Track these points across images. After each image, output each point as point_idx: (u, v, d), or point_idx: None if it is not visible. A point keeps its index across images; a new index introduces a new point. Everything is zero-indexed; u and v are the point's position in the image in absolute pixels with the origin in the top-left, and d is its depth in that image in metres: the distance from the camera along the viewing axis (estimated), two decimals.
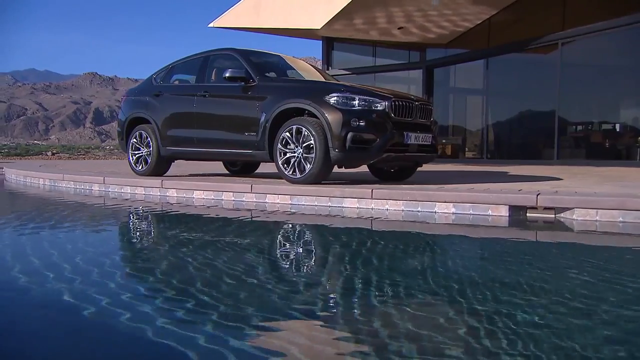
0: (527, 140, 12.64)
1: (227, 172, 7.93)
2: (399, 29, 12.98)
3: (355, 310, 1.86)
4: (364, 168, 6.32)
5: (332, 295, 2.08)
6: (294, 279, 2.41)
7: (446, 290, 2.12)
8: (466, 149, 14.18)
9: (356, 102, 4.99)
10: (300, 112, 5.26)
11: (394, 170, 6.22)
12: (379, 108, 5.03)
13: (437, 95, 14.58)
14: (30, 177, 7.93)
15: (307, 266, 2.69)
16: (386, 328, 1.67)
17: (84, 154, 26.79)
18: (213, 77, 6.24)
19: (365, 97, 5.03)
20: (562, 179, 6.25)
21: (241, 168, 7.82)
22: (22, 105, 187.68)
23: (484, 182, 5.46)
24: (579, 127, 11.17)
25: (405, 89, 15.28)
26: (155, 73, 6.97)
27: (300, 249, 3.19)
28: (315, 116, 5.06)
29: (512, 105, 12.97)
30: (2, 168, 10.40)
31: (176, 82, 6.83)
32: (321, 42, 15.43)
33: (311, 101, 5.10)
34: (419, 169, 6.28)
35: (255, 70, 5.74)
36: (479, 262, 2.83)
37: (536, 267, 2.59)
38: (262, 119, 5.44)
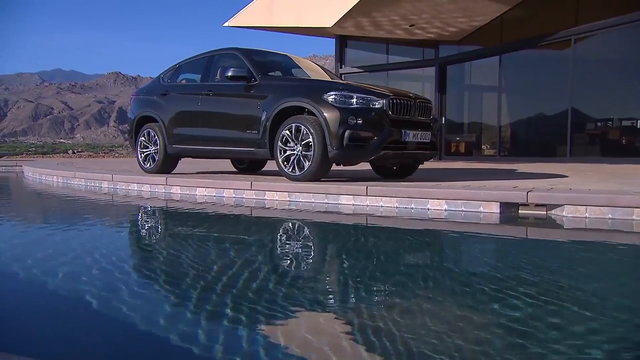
0: (541, 137, 12.50)
1: (235, 169, 8.04)
2: (410, 26, 12.94)
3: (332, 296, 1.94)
4: (368, 166, 6.39)
5: (316, 284, 2.16)
6: (279, 270, 2.50)
7: (408, 280, 2.18)
8: (480, 146, 14.08)
9: (354, 100, 5.04)
10: (300, 110, 5.33)
11: (396, 167, 6.25)
12: (376, 106, 5.06)
13: (451, 93, 14.50)
14: (45, 175, 8.19)
15: (293, 259, 2.77)
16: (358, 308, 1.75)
17: (107, 152, 27.30)
18: (217, 77, 6.36)
19: (363, 95, 5.08)
20: (567, 177, 6.21)
21: (248, 166, 7.93)
22: (49, 105, 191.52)
23: (485, 180, 5.46)
24: (593, 124, 11.00)
25: (419, 86, 15.23)
26: (162, 72, 7.11)
27: (287, 242, 3.27)
28: (314, 114, 5.13)
29: (526, 103, 12.83)
30: (21, 166, 10.74)
31: (183, 82, 6.95)
32: (334, 40, 15.47)
33: (310, 99, 5.17)
34: (424, 166, 6.29)
35: (257, 69, 5.82)
36: (448, 255, 2.88)
37: (495, 260, 2.63)
38: (263, 117, 5.52)
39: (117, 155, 25.19)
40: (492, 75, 12.97)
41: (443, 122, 14.34)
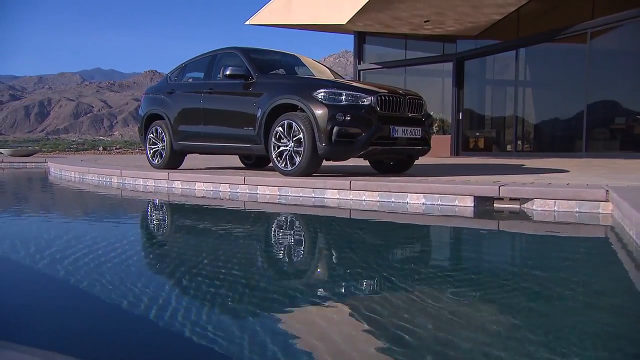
0: (557, 132, 12.31)
1: (242, 165, 8.27)
2: (425, 22, 12.92)
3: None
4: (366, 162, 6.50)
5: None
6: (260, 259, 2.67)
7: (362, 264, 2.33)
8: (498, 142, 13.95)
9: (343, 97, 5.17)
10: (294, 107, 5.49)
11: (393, 163, 6.34)
12: (365, 103, 5.18)
13: (468, 88, 14.40)
14: (64, 170, 8.62)
15: (270, 246, 2.95)
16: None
17: (143, 149, 28.27)
18: (220, 75, 6.56)
19: (352, 93, 5.20)
20: (568, 171, 6.18)
21: (255, 162, 8.13)
22: (89, 103, 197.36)
23: (481, 175, 5.49)
24: (609, 119, 10.78)
25: (439, 81, 15.19)
26: (170, 71, 7.38)
27: (265, 231, 3.44)
28: (305, 111, 5.29)
29: (542, 97, 12.66)
30: (47, 162, 11.32)
31: (189, 80, 7.19)
32: (353, 36, 15.56)
33: (300, 97, 5.32)
34: (429, 161, 6.36)
35: (254, 67, 6.01)
36: (403, 245, 3.00)
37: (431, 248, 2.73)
38: (259, 114, 5.71)
39: None
40: (509, 70, 12.85)
41: (460, 117, 14.26)
